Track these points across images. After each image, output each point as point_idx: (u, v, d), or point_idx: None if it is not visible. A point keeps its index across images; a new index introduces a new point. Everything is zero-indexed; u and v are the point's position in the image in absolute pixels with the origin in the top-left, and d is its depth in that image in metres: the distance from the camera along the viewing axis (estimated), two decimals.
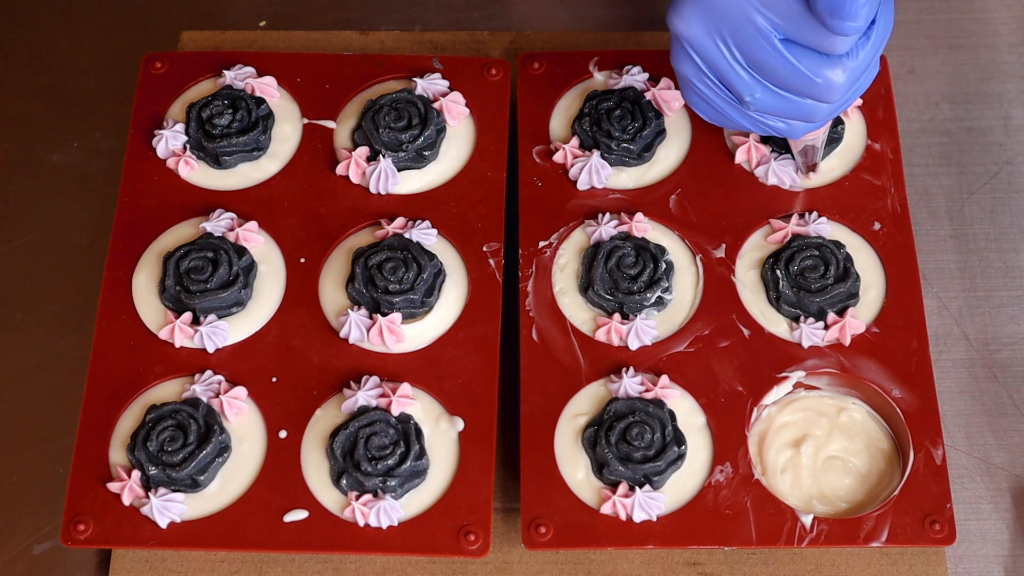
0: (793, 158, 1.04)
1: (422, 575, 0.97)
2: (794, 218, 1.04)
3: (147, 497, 0.94)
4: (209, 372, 0.99)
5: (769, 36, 0.87)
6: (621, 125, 1.06)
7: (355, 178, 1.06)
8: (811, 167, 1.04)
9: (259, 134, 1.06)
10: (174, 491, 0.95)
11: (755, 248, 1.04)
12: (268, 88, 1.08)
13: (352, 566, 0.97)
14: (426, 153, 1.05)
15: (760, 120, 0.93)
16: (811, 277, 1.01)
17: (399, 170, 1.05)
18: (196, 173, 1.06)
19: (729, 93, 0.91)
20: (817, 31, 0.86)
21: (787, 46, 0.87)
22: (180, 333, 0.99)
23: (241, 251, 1.02)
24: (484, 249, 1.03)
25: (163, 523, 0.94)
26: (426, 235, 1.03)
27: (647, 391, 0.97)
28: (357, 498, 0.94)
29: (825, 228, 1.03)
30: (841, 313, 1.00)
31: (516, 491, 0.98)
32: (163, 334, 1.00)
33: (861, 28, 0.84)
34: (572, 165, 1.06)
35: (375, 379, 0.98)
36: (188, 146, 1.06)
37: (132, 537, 0.94)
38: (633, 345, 1.00)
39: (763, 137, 1.07)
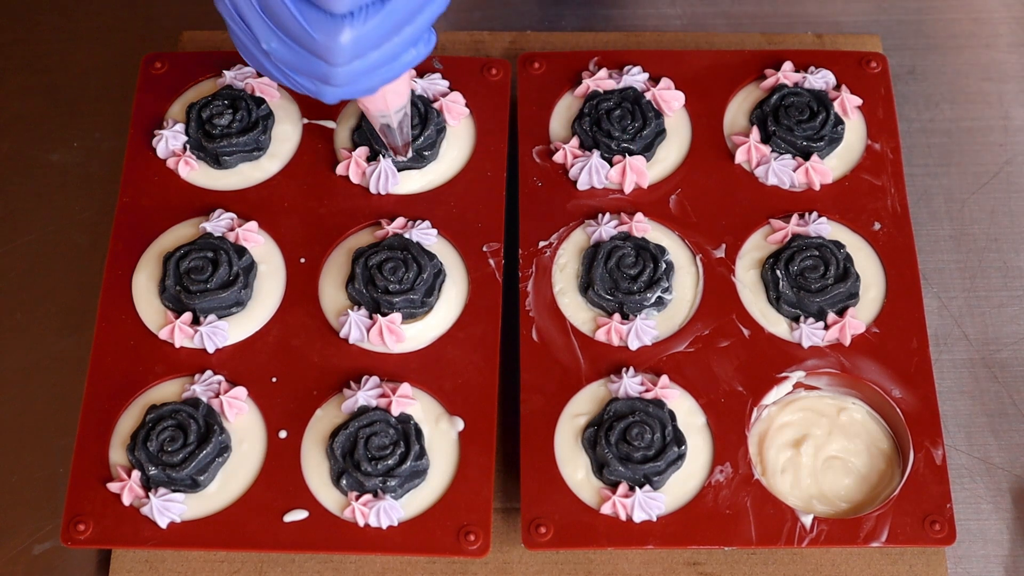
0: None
1: (422, 575, 0.97)
2: (794, 218, 1.04)
3: (147, 497, 0.94)
4: (209, 372, 0.99)
5: None
6: (621, 125, 1.06)
7: (355, 178, 1.06)
8: (396, 149, 1.02)
9: (259, 134, 1.06)
10: (174, 491, 0.95)
11: (755, 248, 1.04)
12: (268, 88, 1.08)
13: (352, 566, 0.97)
14: (426, 153, 1.05)
15: (288, 74, 0.88)
16: (811, 277, 1.01)
17: (399, 170, 1.05)
18: (196, 173, 1.06)
19: (254, 37, 0.87)
20: None
21: None
22: (180, 333, 0.99)
23: (241, 251, 1.02)
24: (484, 249, 1.03)
25: (163, 523, 0.94)
26: (426, 235, 1.03)
27: (647, 391, 0.97)
28: (357, 498, 0.94)
29: (825, 228, 1.03)
30: (841, 313, 1.00)
31: (516, 491, 0.98)
32: (163, 334, 1.00)
33: None
34: (572, 165, 1.06)
35: (375, 379, 0.98)
36: (188, 146, 1.06)
37: (132, 537, 0.94)
38: (633, 345, 1.00)
39: (762, 137, 1.07)
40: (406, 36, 0.86)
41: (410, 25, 0.86)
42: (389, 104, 0.98)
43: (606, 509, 0.94)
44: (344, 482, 0.94)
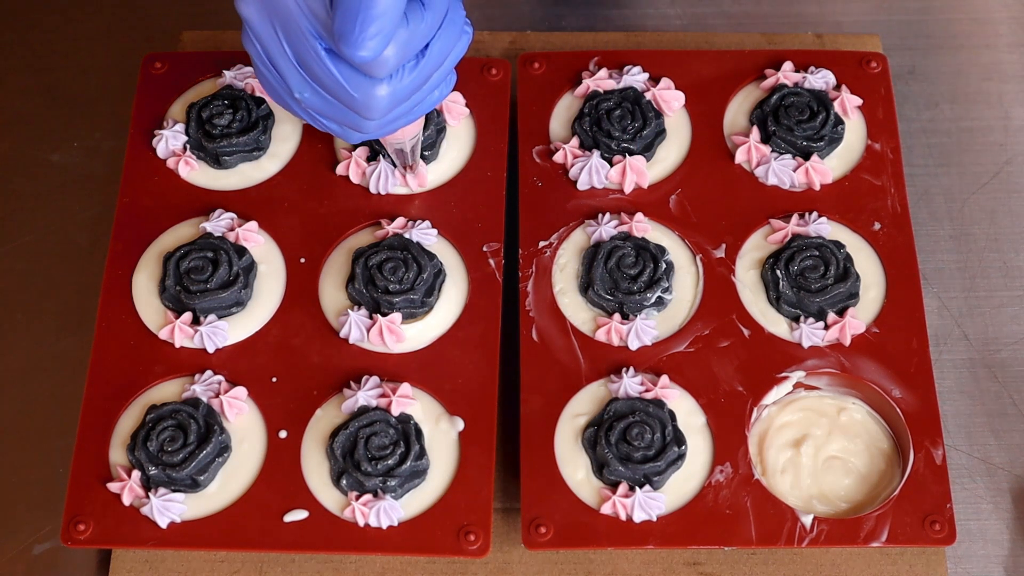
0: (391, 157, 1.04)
1: (422, 575, 0.97)
2: (794, 218, 1.04)
3: (147, 497, 0.94)
4: (209, 372, 0.99)
5: (313, 42, 0.84)
6: (621, 125, 1.06)
7: (355, 178, 1.06)
8: (408, 168, 1.03)
9: (259, 134, 1.06)
10: (174, 491, 0.95)
11: (755, 248, 1.04)
12: None
13: (352, 566, 0.97)
14: (426, 153, 1.05)
15: (316, 117, 0.90)
16: (811, 277, 1.01)
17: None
18: (196, 173, 1.06)
19: (285, 84, 0.88)
20: None
21: (331, 56, 0.84)
22: (180, 333, 0.99)
23: (241, 251, 1.02)
24: (484, 249, 1.03)
25: (163, 523, 0.94)
26: (426, 235, 1.03)
27: (647, 391, 0.97)
28: (357, 498, 0.94)
29: (825, 228, 1.03)
30: (841, 313, 1.00)
31: (516, 491, 0.98)
32: (163, 334, 1.00)
33: (370, 58, 0.81)
34: (572, 165, 1.06)
35: (375, 379, 0.98)
36: (188, 146, 1.06)
37: (132, 537, 0.94)
38: (633, 345, 1.00)
39: (762, 137, 1.07)
40: (433, 81, 0.88)
41: (438, 71, 0.88)
42: (405, 134, 0.99)
43: (606, 509, 0.94)
44: (344, 482, 0.94)
